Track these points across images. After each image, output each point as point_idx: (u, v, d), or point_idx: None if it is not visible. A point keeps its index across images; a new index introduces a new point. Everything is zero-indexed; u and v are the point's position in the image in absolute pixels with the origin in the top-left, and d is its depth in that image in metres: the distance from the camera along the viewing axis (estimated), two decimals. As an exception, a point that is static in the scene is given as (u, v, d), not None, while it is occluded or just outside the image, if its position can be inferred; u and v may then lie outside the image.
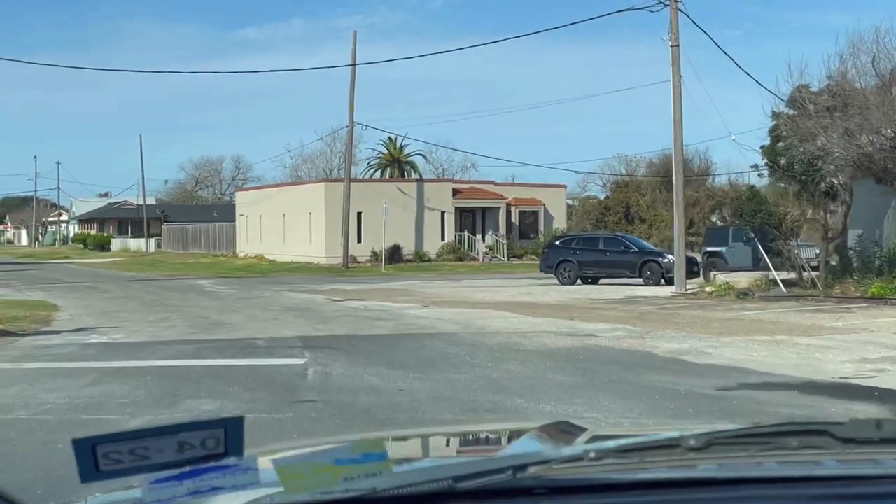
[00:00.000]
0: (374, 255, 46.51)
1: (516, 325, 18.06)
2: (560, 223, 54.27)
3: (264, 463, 1.74)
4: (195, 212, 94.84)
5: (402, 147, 68.56)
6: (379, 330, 17.59)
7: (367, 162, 74.59)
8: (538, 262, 46.95)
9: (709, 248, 33.02)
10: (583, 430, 2.36)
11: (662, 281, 30.61)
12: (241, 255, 56.19)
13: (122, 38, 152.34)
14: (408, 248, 48.45)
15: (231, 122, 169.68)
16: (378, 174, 67.28)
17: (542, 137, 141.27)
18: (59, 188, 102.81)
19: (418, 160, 72.12)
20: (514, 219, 53.41)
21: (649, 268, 31.23)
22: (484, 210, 52.37)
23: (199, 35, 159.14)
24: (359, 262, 46.43)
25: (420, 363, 12.94)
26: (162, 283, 35.76)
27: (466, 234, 51.25)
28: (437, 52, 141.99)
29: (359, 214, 47.51)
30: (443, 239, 50.21)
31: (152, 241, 74.26)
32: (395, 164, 68.18)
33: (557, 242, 34.30)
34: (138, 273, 43.62)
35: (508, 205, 52.57)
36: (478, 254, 50.25)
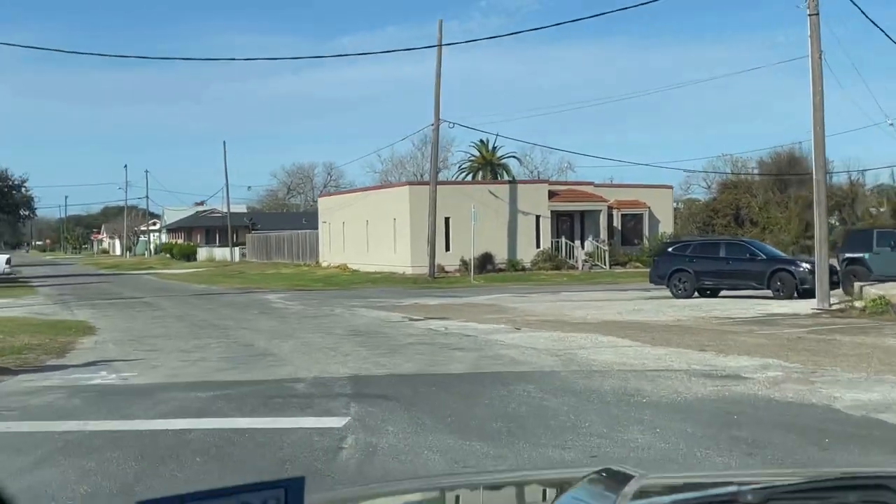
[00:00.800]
0: (463, 263, 42.75)
1: (632, 359, 14.07)
2: (666, 227, 49.72)
3: None
4: (284, 219, 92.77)
5: (494, 149, 64.79)
6: (456, 366, 13.78)
7: (458, 166, 71.14)
8: (644, 271, 42.84)
9: (848, 255, 28.27)
10: (630, 477, 2.16)
11: (795, 293, 26.13)
12: (324, 264, 53.10)
13: (230, 49, 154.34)
14: (500, 256, 44.58)
15: (325, 129, 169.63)
16: (469, 178, 63.59)
17: (639, 141, 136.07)
18: (147, 197, 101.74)
19: (512, 163, 68.31)
20: (616, 223, 49.06)
21: (780, 278, 26.72)
22: (583, 214, 48.16)
23: (298, 45, 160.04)
24: (446, 272, 42.74)
25: (505, 427, 9.11)
26: (228, 298, 32.62)
27: (564, 239, 47.11)
28: (530, 30, 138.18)
29: (446, 220, 43.84)
30: (538, 246, 46.18)
31: (237, 250, 71.90)
32: (488, 167, 64.40)
33: (670, 249, 29.93)
34: (210, 286, 40.74)
35: (609, 208, 48.23)
36: (576, 261, 46.07)
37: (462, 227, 42.49)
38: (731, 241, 30.83)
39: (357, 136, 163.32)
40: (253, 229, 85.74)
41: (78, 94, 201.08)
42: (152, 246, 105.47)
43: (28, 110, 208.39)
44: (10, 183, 54.35)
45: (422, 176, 73.25)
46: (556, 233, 47.09)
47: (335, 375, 12.85)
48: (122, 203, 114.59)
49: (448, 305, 26.85)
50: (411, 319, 22.15)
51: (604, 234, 47.49)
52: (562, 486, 2.34)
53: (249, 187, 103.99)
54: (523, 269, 44.64)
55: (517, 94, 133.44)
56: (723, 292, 28.31)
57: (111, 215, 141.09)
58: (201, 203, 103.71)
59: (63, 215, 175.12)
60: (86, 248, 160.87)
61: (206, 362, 14.64)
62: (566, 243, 46.94)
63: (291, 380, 12.54)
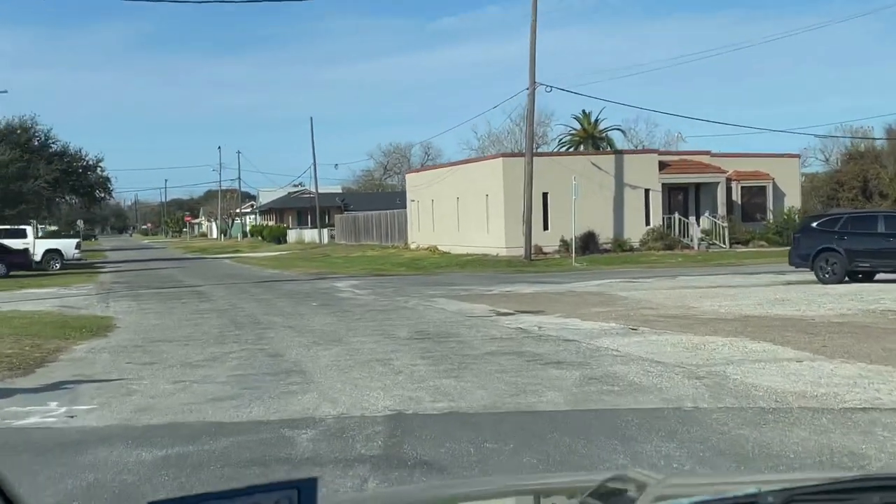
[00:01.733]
0: (563, 244, 38.15)
1: (812, 384, 9.49)
2: (793, 200, 44.16)
3: None
4: (378, 200, 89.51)
5: (596, 121, 59.81)
6: (550, 396, 9.39)
7: (557, 140, 66.31)
8: (770, 251, 37.69)
9: None
10: (646, 483, 2.07)
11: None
12: (413, 246, 49.13)
13: (332, 34, 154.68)
14: (604, 235, 39.83)
15: (425, 111, 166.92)
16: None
17: (752, 115, 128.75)
18: (239, 178, 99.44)
19: (616, 136, 63.08)
20: (736, 196, 43.73)
21: (958, 259, 21.53)
22: (698, 187, 42.97)
23: (399, 27, 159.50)
24: (545, 254, 38.21)
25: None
26: (292, 286, 28.78)
27: (677, 216, 42.05)
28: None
29: (544, 196, 39.24)
30: (647, 223, 41.24)
31: (325, 232, 68.59)
32: (589, 140, 59.38)
33: (814, 224, 24.75)
34: (283, 271, 37.11)
35: (728, 179, 42.90)
36: (691, 240, 41.01)
37: (562, 204, 37.89)
38: (893, 214, 25.55)
39: (457, 116, 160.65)
40: (345, 210, 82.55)
41: (182, 80, 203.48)
42: (248, 228, 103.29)
43: (131, 96, 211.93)
44: (85, 163, 51.75)
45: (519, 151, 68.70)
46: (668, 208, 42.09)
47: (369, 413, 8.65)
48: (224, 185, 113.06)
49: (545, 294, 22.48)
50: (498, 314, 17.87)
51: (722, 210, 42.27)
52: (574, 493, 2.30)
53: (336, 165, 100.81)
54: (631, 248, 39.83)
55: (620, 68, 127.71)
56: (879, 275, 23.25)
57: (212, 198, 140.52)
58: (298, 185, 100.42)
59: (163, 199, 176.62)
60: (186, 231, 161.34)
61: (206, 384, 10.60)
62: (679, 220, 41.91)
63: (302, 421, 8.38)
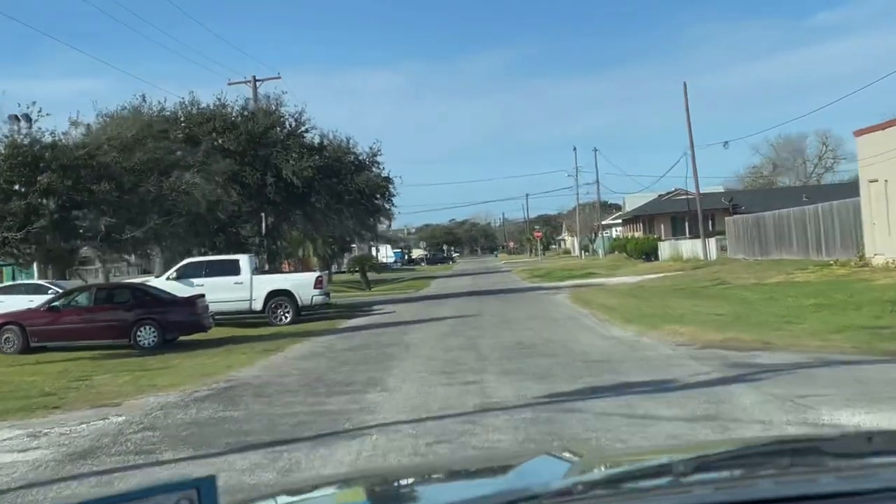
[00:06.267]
0: None
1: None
2: None
3: None
4: (778, 197, 67.59)
5: None
6: None
7: None
8: None
9: None
10: (574, 460, 2.18)
11: None
12: (879, 260, 27.68)
13: (691, 43, 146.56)
14: None
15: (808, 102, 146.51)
16: None
17: None
18: (598, 182, 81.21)
19: None
20: None
21: None
22: None
23: (770, 28, 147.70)
24: None
25: None
26: (674, 412, 9.38)
27: None
28: None
29: None
30: None
31: (712, 242, 47.89)
32: None
33: None
34: (643, 330, 17.31)
35: None
36: None
37: None
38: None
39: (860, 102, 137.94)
40: (734, 212, 61.83)
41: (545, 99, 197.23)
42: (608, 243, 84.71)
43: (498, 119, 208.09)
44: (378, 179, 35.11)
45: None
46: None
47: None
48: (592, 198, 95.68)
49: None
50: None
51: None
52: (507, 469, 2.27)
53: (726, 143, 78.78)
54: None
55: None
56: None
57: (575, 213, 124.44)
58: (675, 192, 79.23)
59: (526, 216, 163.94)
60: (552, 248, 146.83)
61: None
62: None
63: None
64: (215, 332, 23.99)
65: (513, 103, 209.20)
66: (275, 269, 34.31)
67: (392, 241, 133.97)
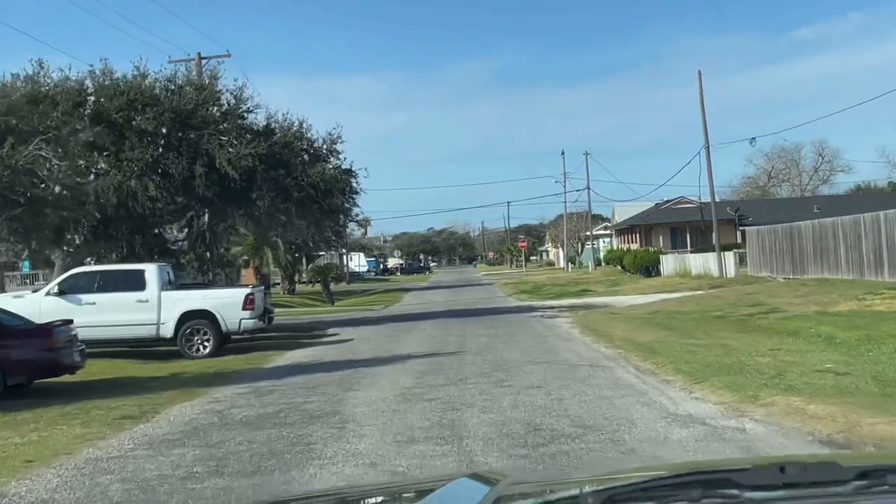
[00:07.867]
0: None
1: None
2: None
3: None
4: (785, 208, 61.73)
5: None
6: None
7: None
8: None
9: None
10: (494, 483, 2.12)
11: None
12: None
13: (670, 56, 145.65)
14: None
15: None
16: None
17: None
18: (588, 188, 74.33)
19: None
20: None
21: None
22: None
23: (749, 43, 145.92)
24: None
25: None
26: None
27: None
28: None
29: None
30: None
31: (730, 256, 41.25)
32: None
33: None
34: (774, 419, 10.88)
35: None
36: None
37: None
38: None
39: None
40: (741, 224, 55.85)
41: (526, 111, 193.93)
42: (601, 255, 78.17)
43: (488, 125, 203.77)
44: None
45: None
46: None
47: None
48: (579, 207, 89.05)
49: None
50: None
51: None
52: (422, 495, 2.23)
53: (753, 140, 72.78)
54: None
55: None
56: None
57: (560, 223, 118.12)
58: (672, 202, 72.48)
59: (507, 225, 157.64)
60: (533, 259, 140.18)
61: None
62: None
63: None
64: (96, 369, 17.31)
65: (495, 112, 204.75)
66: (209, 283, 27.39)
67: (366, 248, 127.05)
